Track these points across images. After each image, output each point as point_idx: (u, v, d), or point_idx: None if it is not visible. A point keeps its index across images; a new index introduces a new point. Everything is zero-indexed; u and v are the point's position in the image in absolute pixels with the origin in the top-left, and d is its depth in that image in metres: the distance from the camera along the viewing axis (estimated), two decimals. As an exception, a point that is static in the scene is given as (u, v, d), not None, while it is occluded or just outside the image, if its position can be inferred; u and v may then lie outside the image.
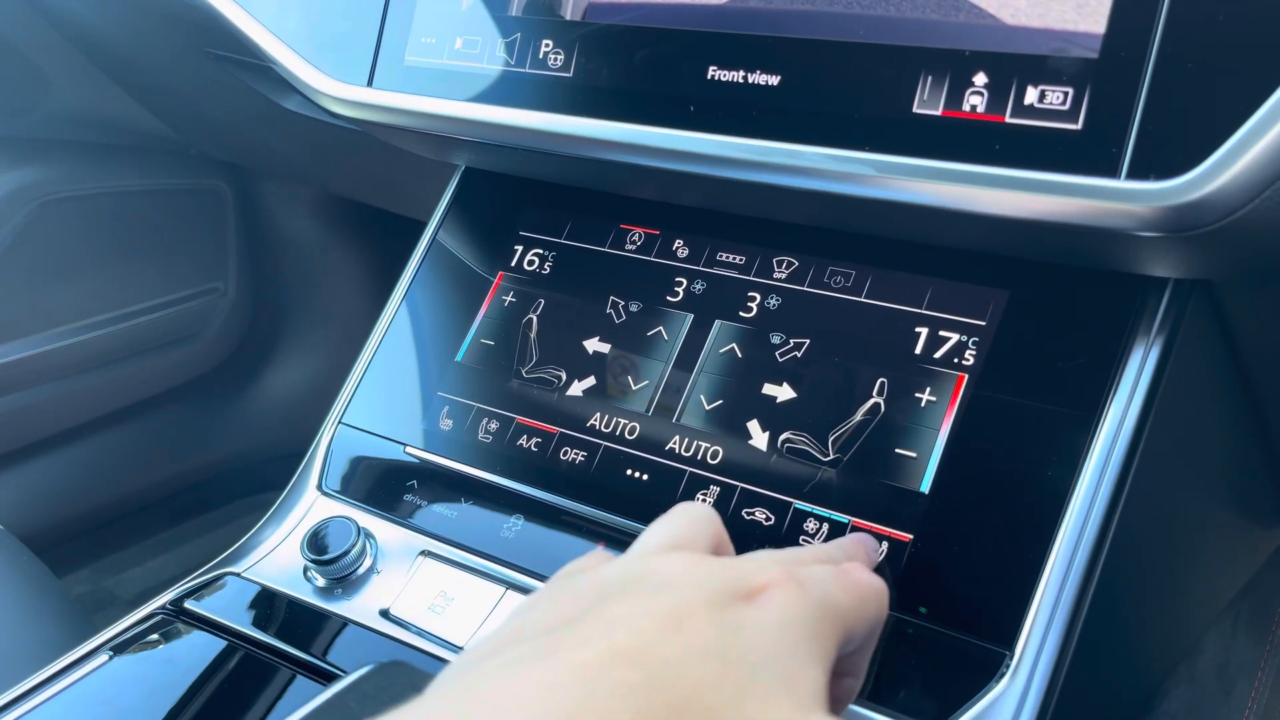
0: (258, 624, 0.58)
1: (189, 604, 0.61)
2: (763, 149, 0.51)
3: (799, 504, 0.55)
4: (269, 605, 0.60)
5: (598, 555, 0.41)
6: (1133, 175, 0.43)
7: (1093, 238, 0.47)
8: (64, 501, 1.55)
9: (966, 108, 0.47)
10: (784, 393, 0.58)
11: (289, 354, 1.75)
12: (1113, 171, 0.44)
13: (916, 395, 0.55)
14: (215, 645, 0.57)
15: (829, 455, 0.56)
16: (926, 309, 0.57)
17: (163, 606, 0.61)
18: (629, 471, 0.60)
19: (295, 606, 0.59)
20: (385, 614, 0.58)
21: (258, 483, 1.75)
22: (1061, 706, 0.48)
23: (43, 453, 1.53)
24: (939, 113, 0.48)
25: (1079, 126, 0.45)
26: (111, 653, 0.57)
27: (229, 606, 0.60)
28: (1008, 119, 0.46)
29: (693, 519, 0.42)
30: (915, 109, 0.49)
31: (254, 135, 1.30)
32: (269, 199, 1.64)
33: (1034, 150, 0.46)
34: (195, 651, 0.57)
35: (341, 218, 1.66)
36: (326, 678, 0.54)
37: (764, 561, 0.38)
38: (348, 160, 1.19)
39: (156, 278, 1.58)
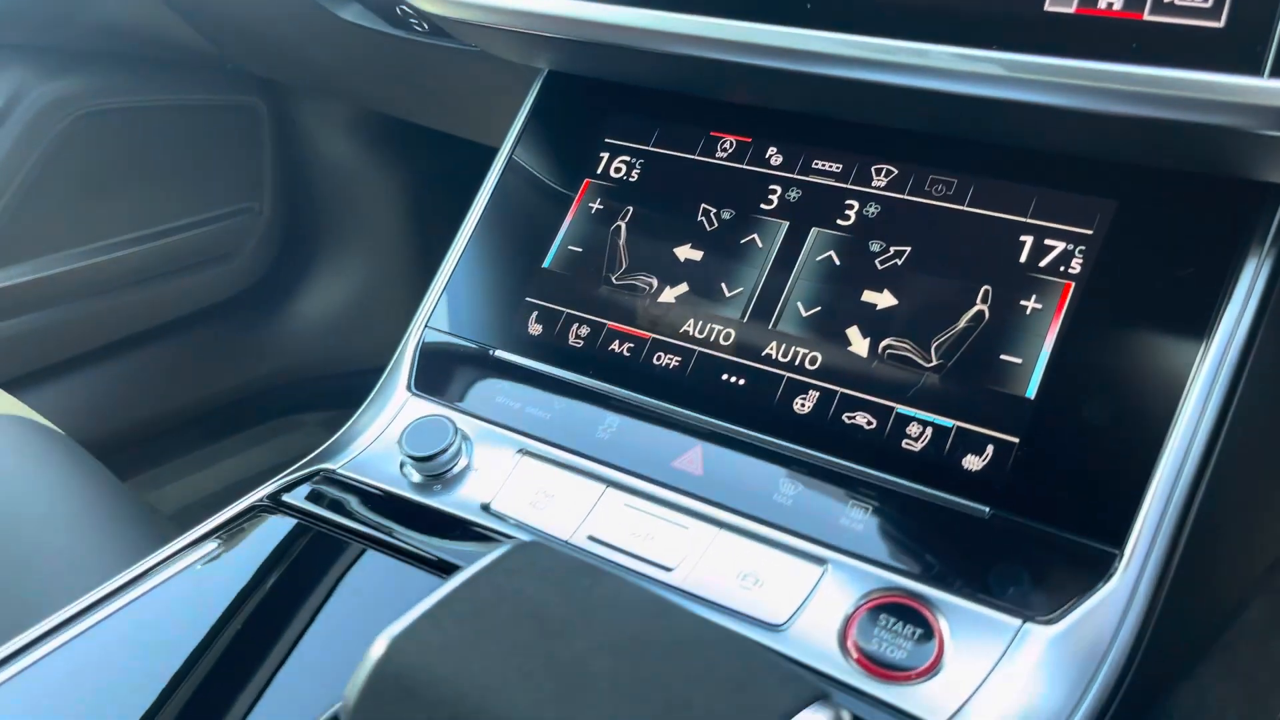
0: (357, 517, 0.59)
1: (286, 498, 0.61)
2: (887, 47, 0.51)
3: (901, 409, 0.56)
4: (367, 499, 0.60)
5: None
6: (1277, 73, 0.43)
7: (1224, 141, 0.47)
8: (99, 418, 1.56)
9: (1102, 4, 0.47)
10: (884, 300, 0.58)
11: (323, 274, 1.75)
12: (1256, 70, 0.44)
13: (1022, 303, 0.55)
14: (317, 536, 0.58)
15: (932, 361, 0.56)
16: (1032, 218, 0.56)
17: (260, 500, 0.61)
18: (724, 376, 0.60)
19: (395, 500, 0.60)
20: (486, 508, 0.59)
21: (292, 402, 1.76)
22: (1166, 607, 0.49)
23: (76, 369, 1.53)
24: (1073, 10, 0.47)
25: (1221, 24, 0.44)
26: (218, 542, 0.57)
27: (326, 501, 0.61)
28: (1146, 16, 0.46)
29: None
30: (1048, 6, 0.48)
31: (297, 49, 1.28)
32: (305, 117, 1.63)
33: (1173, 48, 0.45)
34: (297, 542, 0.58)
35: (379, 137, 1.65)
36: (435, 567, 0.55)
37: None
38: (398, 75, 1.18)
39: (191, 195, 1.57)
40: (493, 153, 0.74)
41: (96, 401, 1.59)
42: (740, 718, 0.34)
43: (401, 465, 0.62)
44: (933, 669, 0.47)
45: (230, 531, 0.59)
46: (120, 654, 0.52)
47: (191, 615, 0.52)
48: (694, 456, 0.58)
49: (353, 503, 0.60)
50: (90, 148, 1.42)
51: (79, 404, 1.55)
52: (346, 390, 1.79)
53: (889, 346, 0.57)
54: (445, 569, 0.55)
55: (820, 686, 0.35)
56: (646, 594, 0.39)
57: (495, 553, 0.42)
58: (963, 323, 0.56)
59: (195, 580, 0.56)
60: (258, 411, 1.75)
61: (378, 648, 0.38)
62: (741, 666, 0.36)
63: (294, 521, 0.59)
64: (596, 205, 0.68)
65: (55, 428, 0.99)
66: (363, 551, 0.56)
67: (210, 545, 0.57)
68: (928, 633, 0.49)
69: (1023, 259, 0.56)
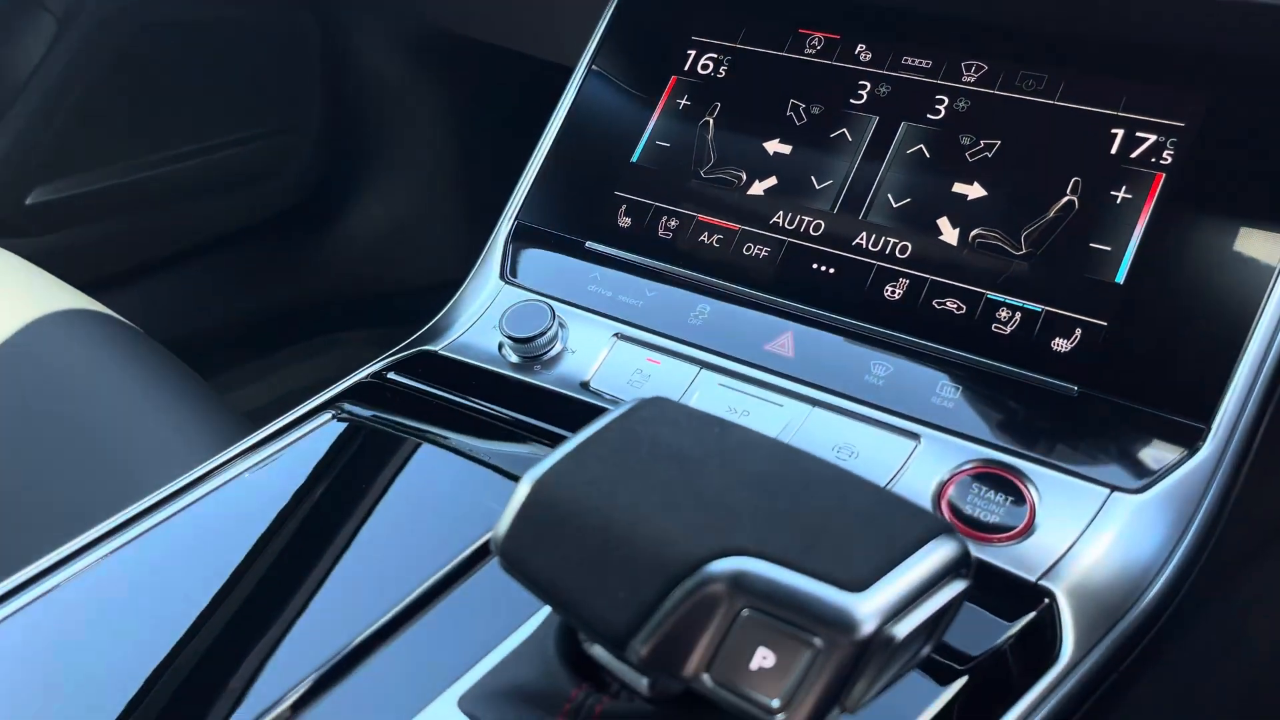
0: (462, 392, 0.62)
1: (392, 375, 0.64)
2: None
3: (991, 294, 0.58)
4: (471, 377, 0.63)
5: None
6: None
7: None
8: (150, 332, 1.59)
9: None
10: (974, 191, 0.60)
11: (370, 193, 1.76)
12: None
13: (1112, 193, 0.57)
14: (425, 408, 0.61)
15: (1021, 249, 0.58)
16: (1123, 111, 0.58)
17: (366, 378, 0.64)
18: (815, 265, 0.62)
19: (498, 378, 0.63)
20: (584, 386, 0.62)
21: (340, 320, 1.78)
22: (1248, 483, 0.51)
23: (127, 283, 1.56)
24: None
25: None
26: (331, 412, 0.60)
27: (431, 378, 0.63)
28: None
29: None
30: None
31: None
32: (355, 33, 1.63)
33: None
34: (406, 415, 0.61)
35: (428, 55, 1.65)
36: (542, 438, 0.58)
37: None
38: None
39: (242, 111, 1.58)
40: (547, 69, 0.75)
41: (148, 312, 1.62)
42: (875, 543, 0.36)
43: (500, 347, 0.65)
44: (1025, 531, 0.50)
45: (341, 406, 0.62)
46: (252, 514, 0.55)
47: (323, 475, 0.55)
48: (785, 340, 0.61)
49: (457, 380, 0.63)
50: (146, 61, 1.44)
51: (133, 315, 1.58)
52: (393, 308, 1.82)
53: (979, 235, 0.59)
54: (551, 439, 0.58)
55: (945, 520, 0.38)
56: (775, 441, 0.42)
57: (624, 405, 0.44)
58: (1052, 212, 0.58)
59: (314, 447, 0.59)
60: (306, 328, 1.78)
61: (524, 485, 0.41)
62: (871, 501, 0.39)
63: (403, 396, 0.62)
64: (684, 102, 0.70)
65: (134, 326, 1.02)
66: (471, 423, 0.59)
67: (325, 416, 0.60)
68: (1019, 499, 0.51)
69: (1113, 151, 0.58)
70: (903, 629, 0.35)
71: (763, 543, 0.36)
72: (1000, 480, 0.52)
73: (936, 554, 0.36)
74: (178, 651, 0.48)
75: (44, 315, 0.97)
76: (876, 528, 0.37)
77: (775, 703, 0.35)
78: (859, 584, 0.35)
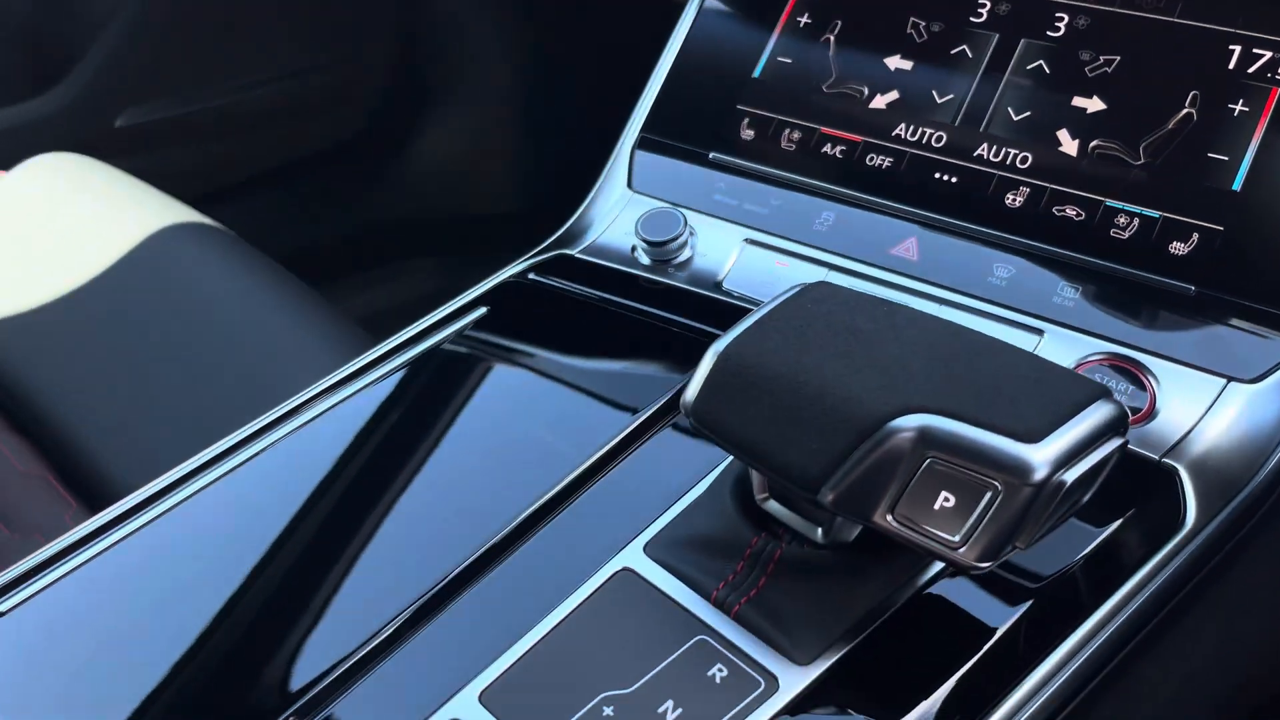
0: (605, 291, 0.66)
1: (533, 276, 0.69)
2: None
3: (1110, 201, 0.61)
4: (610, 277, 0.67)
5: None
6: None
7: None
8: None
9: None
10: (1094, 104, 0.63)
11: (437, 123, 1.79)
12: None
13: (1229, 106, 0.60)
14: (568, 304, 0.65)
15: (1140, 160, 0.61)
16: (1242, 28, 0.61)
17: (507, 280, 0.69)
18: (937, 174, 0.66)
19: (636, 279, 0.67)
20: (718, 286, 0.66)
21: (409, 245, 1.83)
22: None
23: (207, 206, 1.61)
24: None
25: None
26: (485, 306, 0.65)
27: (571, 278, 0.68)
28: None
29: None
30: None
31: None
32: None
33: None
34: (551, 311, 0.65)
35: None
36: (683, 333, 0.62)
37: None
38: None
39: (314, 40, 1.62)
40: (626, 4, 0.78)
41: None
42: (1045, 402, 0.41)
43: (633, 250, 0.69)
44: (1148, 416, 0.54)
45: (486, 304, 0.66)
46: (432, 390, 0.60)
47: (491, 356, 0.60)
48: (910, 245, 0.65)
49: (596, 280, 0.67)
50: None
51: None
52: (458, 235, 1.87)
53: (1098, 146, 0.63)
54: (691, 335, 0.62)
55: (1106, 386, 0.42)
56: (939, 318, 0.46)
57: (795, 287, 0.49)
58: (1171, 124, 0.61)
59: (466, 343, 0.63)
60: (374, 254, 1.83)
61: (710, 355, 0.45)
62: (1038, 367, 0.43)
63: (547, 291, 0.66)
64: (805, 19, 0.73)
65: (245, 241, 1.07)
66: (615, 319, 0.64)
67: (480, 310, 0.65)
68: (1140, 387, 0.55)
69: (1231, 65, 0.61)
70: (1070, 475, 0.40)
71: (943, 401, 0.41)
72: (1122, 370, 0.56)
73: (1100, 413, 0.41)
74: (364, 517, 0.53)
75: (163, 228, 1.02)
76: (1045, 390, 0.41)
77: (956, 538, 0.40)
78: (1033, 436, 0.40)
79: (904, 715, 0.42)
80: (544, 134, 1.80)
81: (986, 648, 0.44)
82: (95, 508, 0.83)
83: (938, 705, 0.43)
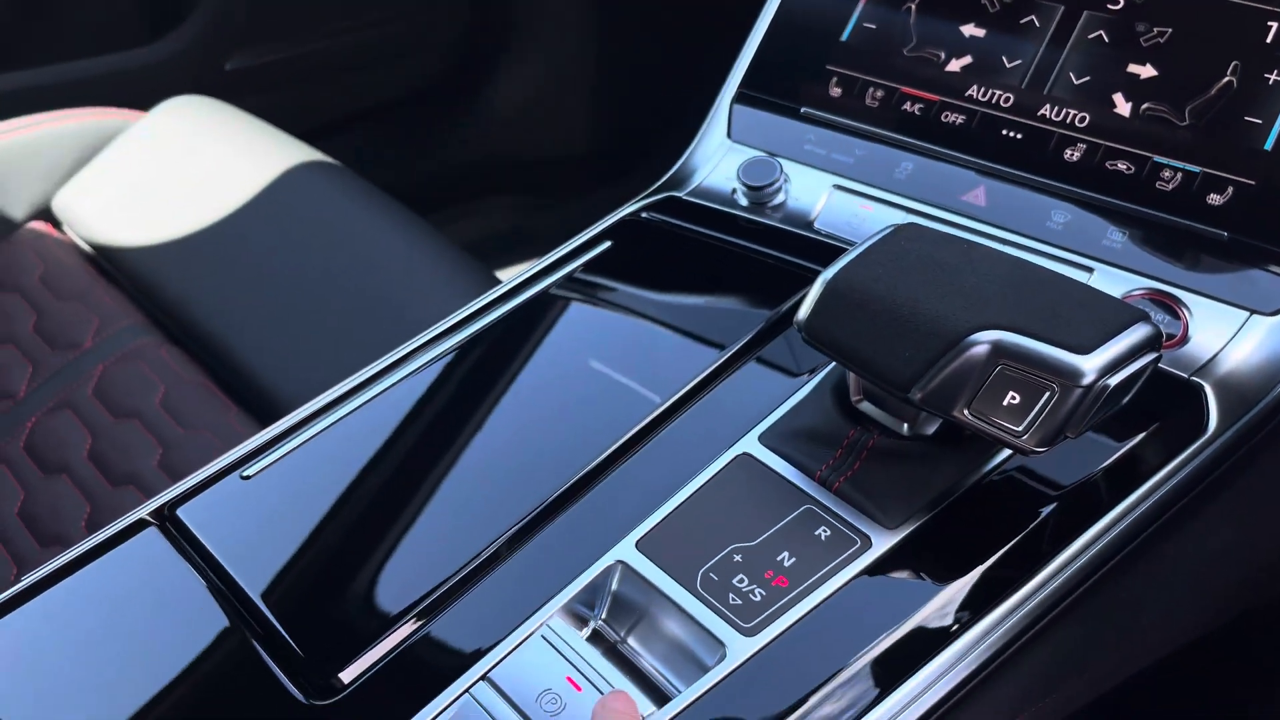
0: (710, 228, 0.77)
1: (644, 215, 0.79)
2: None
3: (1157, 157, 0.70)
4: (714, 216, 0.78)
5: None
6: None
7: None
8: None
9: None
10: (1146, 71, 0.72)
11: (516, 66, 1.88)
12: None
13: (1266, 76, 0.69)
14: (682, 241, 0.76)
15: (1185, 121, 0.70)
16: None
17: (621, 219, 0.79)
18: (1004, 131, 0.75)
19: (737, 219, 0.77)
20: (810, 225, 0.76)
21: (484, 186, 1.94)
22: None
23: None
24: None
25: None
26: (609, 240, 0.76)
27: (680, 217, 0.78)
28: None
29: None
30: None
31: None
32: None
33: None
34: (666, 246, 0.76)
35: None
36: (781, 266, 0.73)
37: None
38: None
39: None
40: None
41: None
42: (1095, 323, 0.51)
43: (733, 192, 0.79)
44: (1181, 341, 0.64)
45: (605, 239, 0.77)
46: (568, 310, 0.71)
47: (598, 296, 0.71)
48: (978, 193, 0.74)
49: (702, 218, 0.78)
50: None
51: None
52: (530, 177, 1.97)
53: (1148, 109, 0.72)
54: (788, 268, 0.72)
55: (1145, 312, 0.52)
56: (1010, 254, 0.56)
57: (888, 228, 0.59)
58: (1213, 91, 0.70)
59: (594, 272, 0.74)
60: (453, 192, 1.94)
61: (820, 282, 0.56)
62: (1090, 296, 0.53)
63: (661, 230, 0.77)
64: (889, -11, 0.82)
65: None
66: (722, 253, 0.74)
67: (605, 244, 0.75)
68: (1175, 317, 0.65)
69: (1269, 39, 0.69)
70: (1113, 380, 0.50)
71: (1013, 319, 0.51)
72: (1160, 303, 0.66)
73: (1140, 332, 0.51)
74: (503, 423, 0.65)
75: (295, 165, 1.14)
76: (1095, 312, 0.52)
77: (1020, 428, 0.50)
78: (1084, 349, 0.50)
79: (968, 571, 0.53)
80: (618, 78, 1.89)
81: (1035, 523, 0.55)
82: (252, 412, 0.96)
83: (992, 564, 0.54)
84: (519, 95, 1.89)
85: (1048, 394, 0.50)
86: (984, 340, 0.51)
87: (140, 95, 1.35)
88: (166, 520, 0.58)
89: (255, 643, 0.52)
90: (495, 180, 1.93)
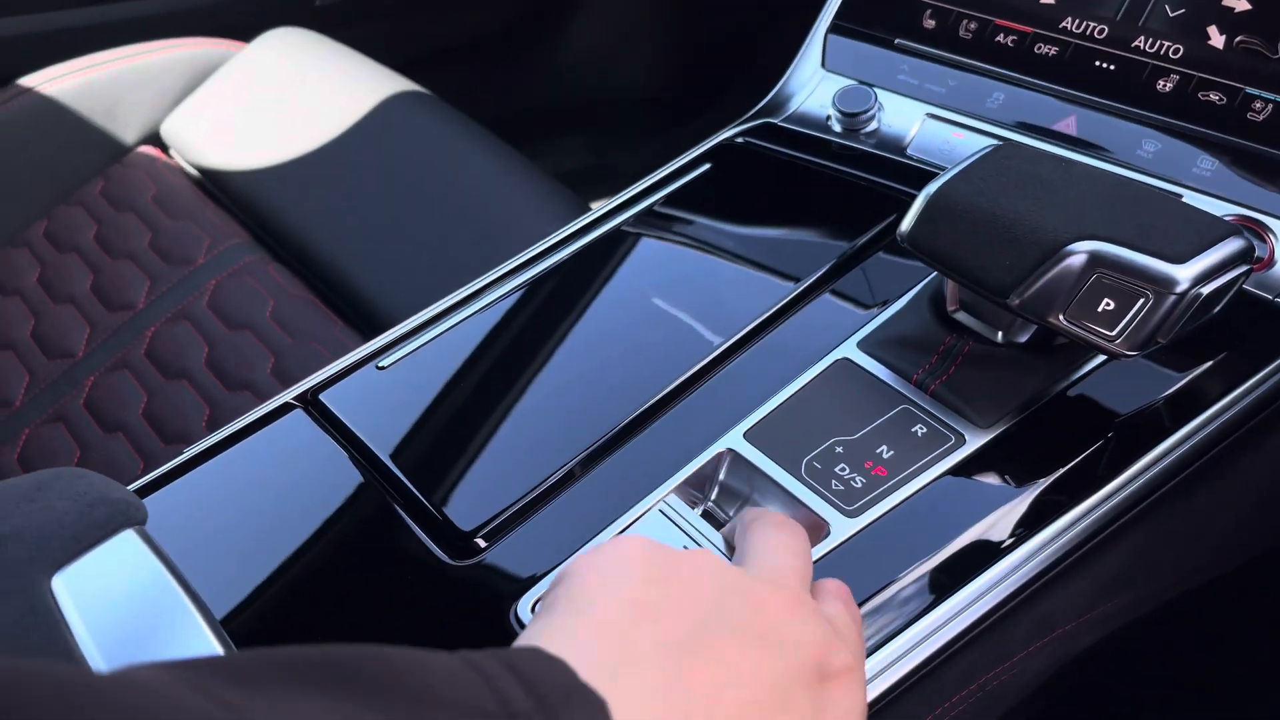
0: (805, 153, 0.80)
1: (739, 140, 0.82)
2: None
3: (1249, 89, 0.72)
4: (809, 142, 0.81)
5: (702, 555, 0.40)
6: None
7: None
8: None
9: None
10: (1241, 4, 0.74)
11: (590, 8, 1.91)
12: None
13: (1362, 8, 0.70)
14: (778, 163, 0.79)
15: (1277, 54, 0.72)
16: (1382, -61, 0.70)
17: (718, 143, 0.83)
18: (1097, 63, 0.77)
19: (831, 144, 0.80)
20: (902, 152, 0.79)
21: (557, 126, 1.97)
22: None
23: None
24: None
25: None
26: (709, 161, 0.79)
27: (775, 141, 0.81)
28: None
29: (803, 547, 0.45)
30: None
31: None
32: None
33: None
34: (762, 167, 0.80)
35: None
36: (871, 188, 0.76)
37: (839, 626, 0.42)
38: None
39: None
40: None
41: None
42: (1190, 235, 0.54)
43: (827, 119, 0.82)
44: (1268, 264, 0.67)
45: (705, 160, 0.81)
46: (672, 219, 0.75)
47: (702, 211, 0.75)
48: (1070, 122, 0.77)
49: (797, 143, 0.81)
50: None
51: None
52: (605, 117, 2.00)
53: (1241, 41, 0.73)
54: (882, 190, 0.75)
55: (1239, 226, 0.55)
56: (1108, 170, 0.59)
57: (988, 146, 0.62)
58: (1309, 23, 0.71)
59: (695, 191, 0.78)
60: (527, 132, 1.97)
61: (923, 196, 0.59)
62: (1182, 209, 0.56)
63: (757, 152, 0.80)
64: (985, -78, 0.83)
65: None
66: (818, 176, 0.77)
67: (704, 166, 0.79)
68: (1263, 242, 0.67)
69: (1369, -27, 0.70)
70: (1205, 289, 0.53)
71: (1110, 230, 0.54)
72: (1249, 228, 0.68)
73: (1232, 245, 0.54)
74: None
75: (393, 95, 1.18)
76: (1190, 226, 0.55)
77: (1114, 333, 0.54)
78: (1179, 259, 0.53)
79: (1053, 471, 0.57)
80: (692, 19, 1.90)
81: (1117, 430, 0.59)
82: (355, 326, 1.01)
83: (1076, 465, 0.57)
84: (594, 36, 1.92)
85: (1142, 301, 0.53)
86: (1082, 250, 0.54)
87: (239, 28, 1.40)
88: (310, 404, 0.64)
89: (399, 509, 0.58)
90: (570, 121, 1.97)
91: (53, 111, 1.21)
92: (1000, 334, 0.60)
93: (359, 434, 0.61)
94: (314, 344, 0.98)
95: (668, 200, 0.77)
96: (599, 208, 0.79)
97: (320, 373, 0.65)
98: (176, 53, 1.28)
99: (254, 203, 1.14)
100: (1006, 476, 0.57)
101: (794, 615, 0.38)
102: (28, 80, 1.22)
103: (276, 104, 1.22)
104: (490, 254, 0.95)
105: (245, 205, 1.15)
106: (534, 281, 0.73)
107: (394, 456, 0.60)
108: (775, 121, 0.84)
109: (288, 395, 0.64)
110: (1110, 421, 0.59)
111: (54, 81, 1.22)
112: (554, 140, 1.97)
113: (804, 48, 0.88)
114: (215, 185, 1.20)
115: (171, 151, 1.27)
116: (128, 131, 1.26)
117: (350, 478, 0.59)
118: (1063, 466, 0.57)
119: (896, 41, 0.84)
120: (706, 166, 0.79)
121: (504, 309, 0.71)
